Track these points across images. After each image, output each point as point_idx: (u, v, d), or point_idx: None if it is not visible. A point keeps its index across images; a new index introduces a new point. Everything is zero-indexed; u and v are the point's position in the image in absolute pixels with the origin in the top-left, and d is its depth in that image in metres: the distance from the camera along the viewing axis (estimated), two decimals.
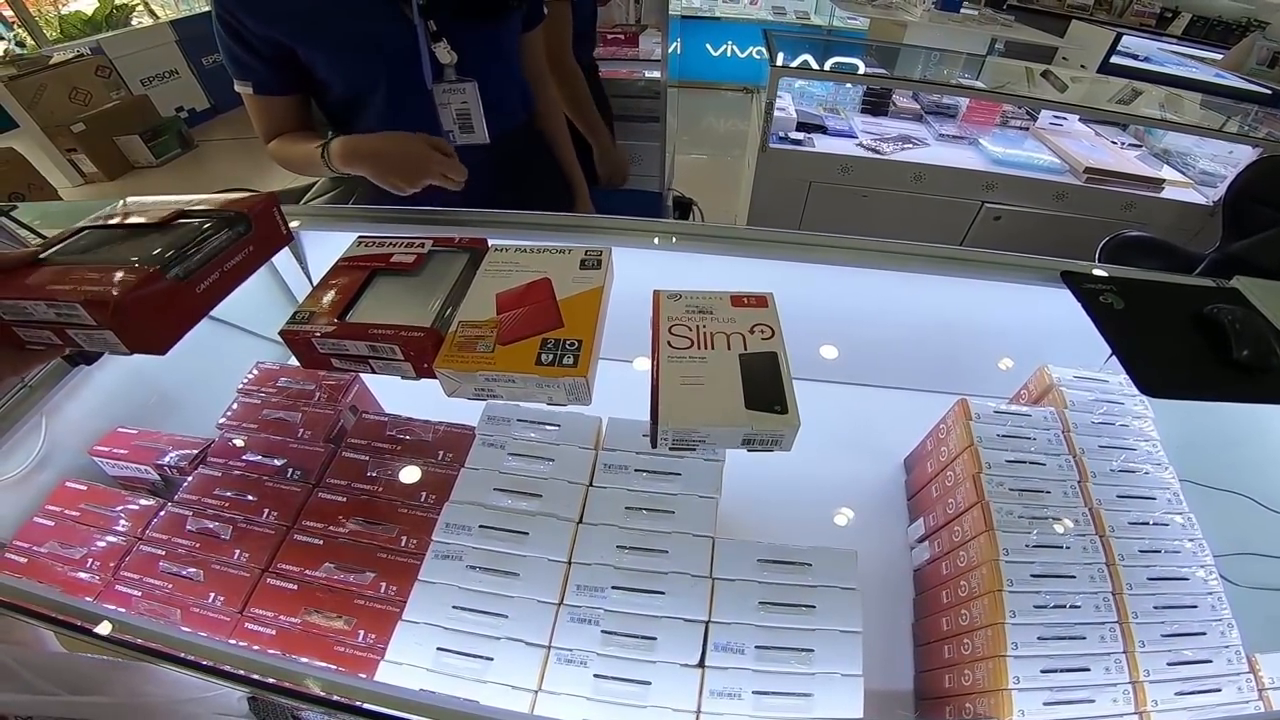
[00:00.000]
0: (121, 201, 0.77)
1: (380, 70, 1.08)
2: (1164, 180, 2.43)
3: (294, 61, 1.07)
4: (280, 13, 1.00)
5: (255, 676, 0.61)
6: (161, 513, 0.83)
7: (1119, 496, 0.89)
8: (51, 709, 0.47)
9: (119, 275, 0.61)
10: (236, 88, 1.11)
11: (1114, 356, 0.86)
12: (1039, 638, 0.75)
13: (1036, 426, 0.95)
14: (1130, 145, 2.76)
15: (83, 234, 0.70)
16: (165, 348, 0.65)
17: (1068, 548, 0.83)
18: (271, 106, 1.14)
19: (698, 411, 0.63)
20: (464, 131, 1.18)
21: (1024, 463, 0.91)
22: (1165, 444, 0.97)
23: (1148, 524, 0.87)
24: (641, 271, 0.88)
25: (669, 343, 0.71)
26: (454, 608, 0.73)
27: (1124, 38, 4.38)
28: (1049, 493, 0.88)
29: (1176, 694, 0.74)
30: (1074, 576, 0.80)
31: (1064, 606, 0.78)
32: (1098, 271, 1.01)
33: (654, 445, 0.65)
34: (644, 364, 0.89)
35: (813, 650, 0.70)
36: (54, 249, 0.67)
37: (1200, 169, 2.57)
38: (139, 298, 0.60)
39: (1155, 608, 0.79)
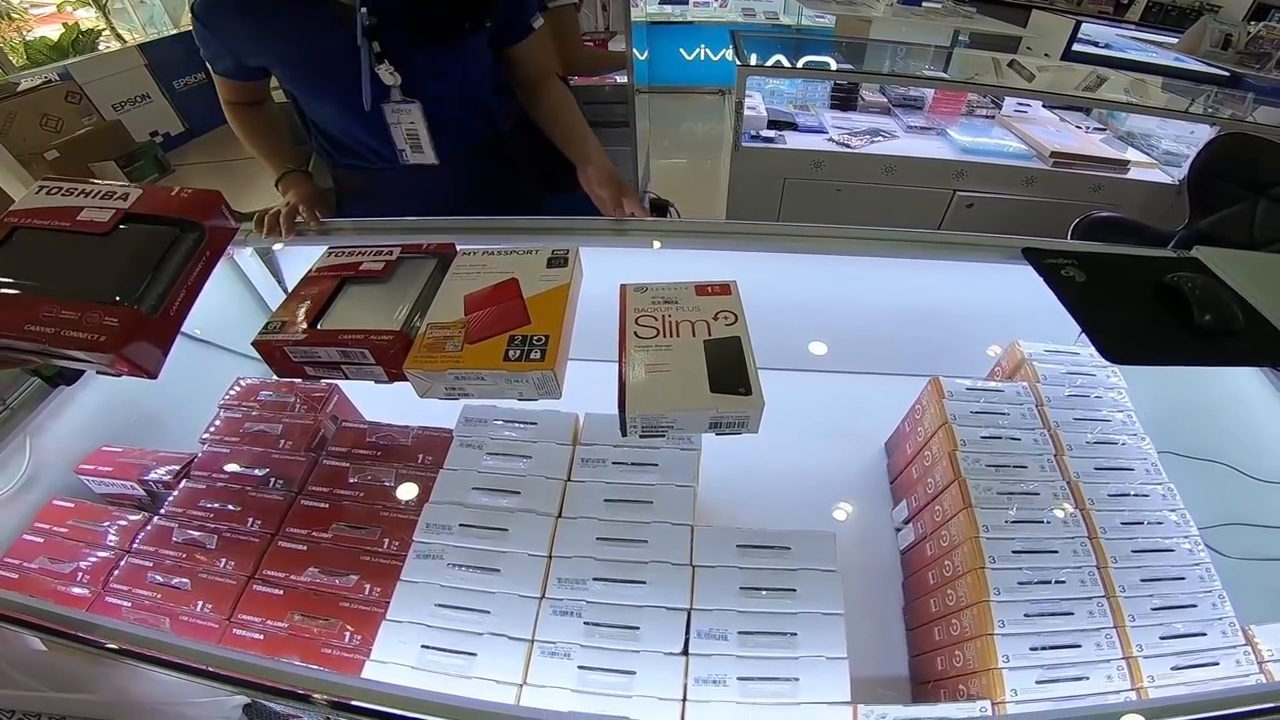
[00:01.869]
0: (37, 185, 0.74)
1: (329, 88, 1.11)
2: (1129, 161, 2.47)
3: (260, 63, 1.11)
4: (242, 29, 1.04)
5: (250, 679, 0.62)
6: (148, 526, 0.83)
7: (1096, 469, 0.89)
8: (33, 704, 0.47)
9: (102, 318, 0.61)
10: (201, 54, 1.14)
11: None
12: (1025, 614, 0.75)
13: (1010, 401, 0.96)
14: (1095, 129, 2.80)
15: (14, 243, 0.67)
16: (157, 372, 0.67)
17: (1048, 522, 0.83)
18: (225, 83, 1.20)
19: (664, 397, 0.65)
20: (414, 151, 1.19)
21: (999, 438, 0.92)
22: (1140, 416, 0.98)
23: (1128, 495, 0.87)
24: (618, 272, 0.89)
25: (635, 333, 0.73)
26: (437, 606, 0.73)
27: (1084, 25, 4.44)
28: (1026, 467, 0.89)
29: (1172, 669, 0.73)
30: (1056, 551, 0.80)
31: (1049, 582, 0.78)
32: (1058, 246, 1.03)
33: (624, 433, 0.67)
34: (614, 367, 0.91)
35: (796, 634, 0.71)
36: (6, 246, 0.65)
37: (1164, 149, 2.61)
38: (130, 341, 0.61)
39: (1142, 580, 0.79)
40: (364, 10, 0.98)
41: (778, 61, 2.62)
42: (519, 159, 1.34)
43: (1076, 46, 4.33)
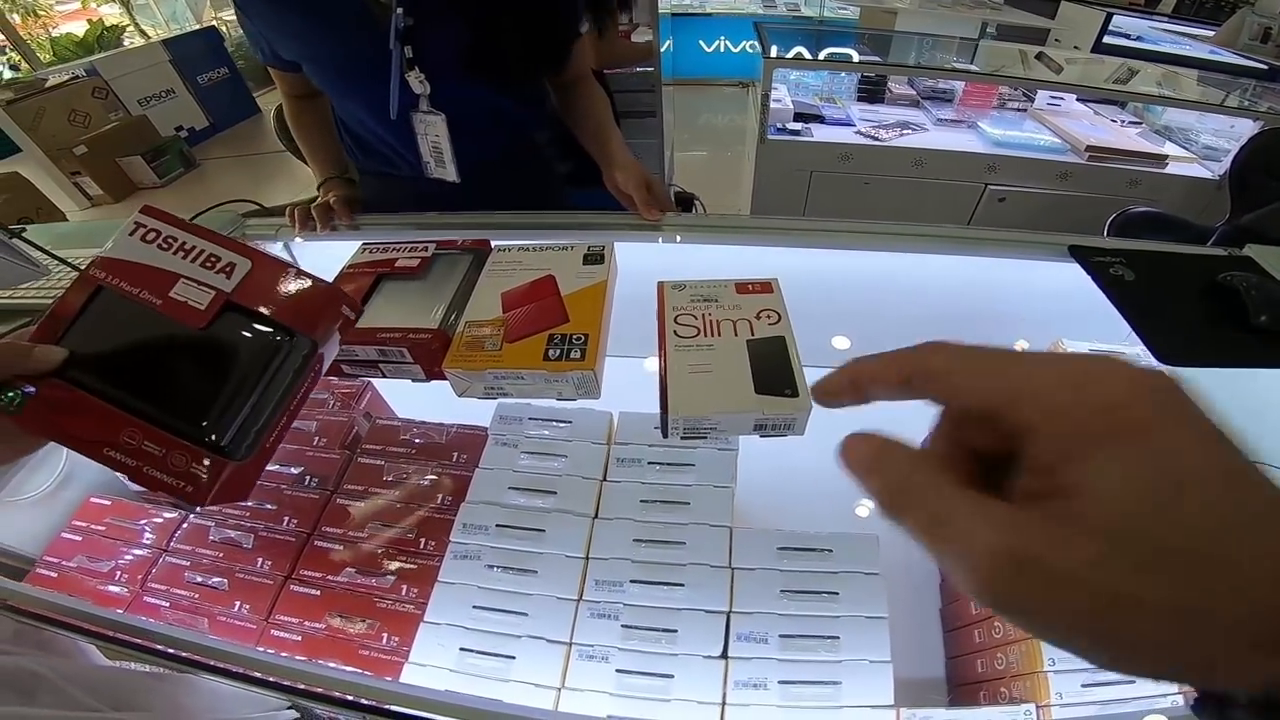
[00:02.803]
0: (133, 224, 0.59)
1: (355, 88, 1.08)
2: (1167, 156, 2.41)
3: None
4: (275, 20, 1.03)
5: (296, 685, 0.61)
6: (184, 524, 0.84)
7: None
8: None
9: (189, 464, 0.51)
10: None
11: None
12: None
13: None
14: (1130, 123, 2.74)
15: (95, 313, 0.56)
16: (244, 498, 0.57)
17: None
18: (281, 75, 1.17)
19: (708, 399, 0.63)
20: (438, 165, 1.15)
21: None
22: None
23: None
24: (646, 267, 0.88)
25: (675, 332, 0.71)
26: (474, 607, 0.73)
27: (1115, 17, 4.35)
28: None
29: None
30: None
31: None
32: (1106, 244, 1.00)
33: (665, 435, 0.65)
34: (653, 361, 0.89)
35: (838, 637, 0.70)
36: (73, 334, 0.54)
37: (1203, 144, 2.55)
38: (217, 497, 0.52)
39: None
40: (400, 11, 0.93)
41: (799, 53, 2.59)
42: (545, 164, 1.32)
43: (1107, 39, 4.24)
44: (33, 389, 0.51)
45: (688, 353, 0.69)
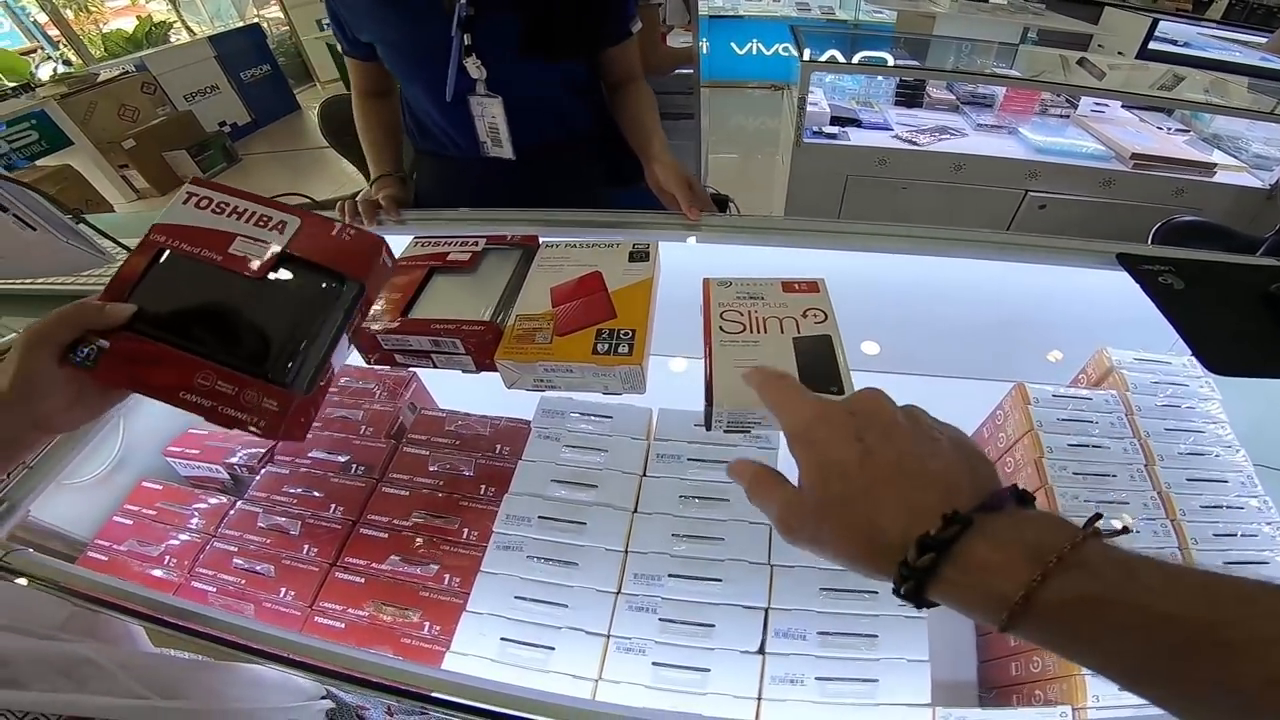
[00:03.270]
0: (185, 194, 0.63)
1: (419, 71, 1.15)
2: (1215, 164, 2.36)
3: None
4: (362, 9, 1.10)
5: (339, 670, 0.63)
6: (233, 510, 0.86)
7: (1189, 480, 0.86)
8: (141, 714, 0.48)
9: (260, 399, 0.56)
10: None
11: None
12: (1122, 528, 0.72)
13: (1098, 410, 0.93)
14: (1178, 130, 2.68)
15: (159, 273, 0.59)
16: (303, 437, 0.62)
17: (1138, 532, 0.80)
18: (356, 66, 1.24)
19: (752, 393, 0.63)
20: (494, 145, 1.21)
21: (1087, 446, 0.88)
22: (1235, 429, 0.93)
23: (1221, 507, 0.83)
24: (683, 266, 0.89)
25: (721, 328, 0.72)
26: (516, 598, 0.74)
27: (1161, 23, 4.25)
28: (1115, 476, 0.85)
29: None
30: None
31: None
32: (1155, 252, 0.98)
33: (708, 428, 0.66)
34: (689, 360, 0.89)
35: (877, 636, 0.70)
36: (140, 293, 0.58)
37: (1254, 152, 2.48)
38: (289, 428, 0.57)
39: None
40: (463, 1, 1.00)
41: (833, 57, 2.57)
42: (591, 157, 1.35)
43: (1154, 45, 4.15)
44: (105, 343, 0.54)
45: (733, 348, 0.69)
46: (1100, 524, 0.35)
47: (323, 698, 0.69)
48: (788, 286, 0.78)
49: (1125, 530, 0.36)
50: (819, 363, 0.67)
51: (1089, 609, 0.31)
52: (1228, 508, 0.84)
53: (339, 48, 1.24)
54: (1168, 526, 0.81)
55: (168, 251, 0.60)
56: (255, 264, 0.60)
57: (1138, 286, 0.97)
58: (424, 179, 1.38)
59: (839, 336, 0.70)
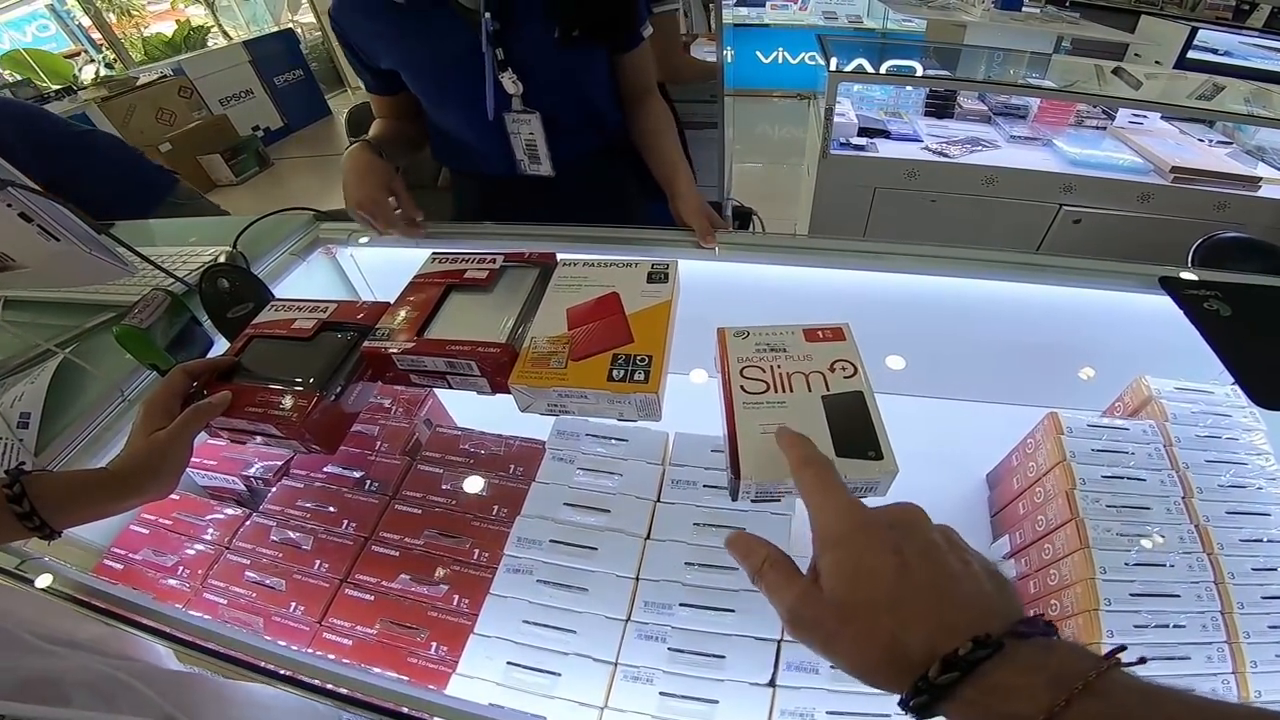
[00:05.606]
0: (271, 306, 0.91)
1: (451, 93, 1.13)
2: (1260, 178, 2.27)
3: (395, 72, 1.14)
4: (371, 31, 1.08)
5: (340, 690, 0.63)
6: (247, 522, 0.86)
7: (1229, 513, 0.82)
8: None
9: (296, 400, 0.75)
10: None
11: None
12: (1139, 659, 0.70)
13: (1135, 440, 0.89)
14: (1220, 143, 2.59)
15: (252, 343, 0.85)
16: (334, 448, 0.81)
17: (1172, 565, 0.77)
18: (381, 103, 1.25)
19: (782, 462, 0.56)
20: (532, 162, 1.20)
21: (1122, 478, 0.85)
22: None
23: (1262, 541, 0.80)
24: (702, 283, 0.87)
25: (743, 387, 0.66)
26: (524, 622, 0.73)
27: (1200, 32, 4.14)
28: (1150, 509, 0.82)
29: None
30: (1178, 595, 0.75)
31: (1166, 626, 0.73)
32: (1200, 276, 0.94)
33: (734, 498, 0.62)
34: (702, 374, 0.87)
35: None
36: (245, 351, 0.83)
37: None
38: (311, 416, 0.73)
39: (1270, 627, 0.73)
40: (488, 15, 0.98)
41: (860, 66, 2.53)
42: (629, 165, 1.34)
43: (1191, 53, 4.04)
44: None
45: (758, 410, 0.64)
46: (1122, 655, 0.35)
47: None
48: (811, 335, 0.72)
49: (1142, 661, 0.36)
50: (853, 424, 0.62)
51: None
52: (1268, 541, 0.80)
53: (364, 87, 1.23)
54: (1204, 560, 0.78)
55: (254, 338, 0.85)
56: (306, 329, 0.84)
57: (1178, 310, 0.93)
58: (463, 200, 1.38)
59: (871, 392, 0.66)
